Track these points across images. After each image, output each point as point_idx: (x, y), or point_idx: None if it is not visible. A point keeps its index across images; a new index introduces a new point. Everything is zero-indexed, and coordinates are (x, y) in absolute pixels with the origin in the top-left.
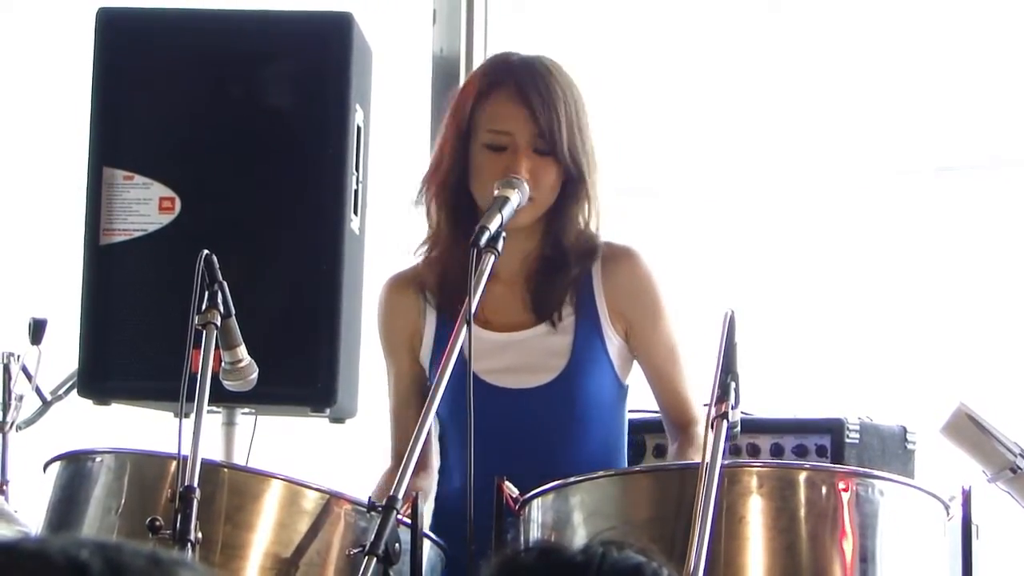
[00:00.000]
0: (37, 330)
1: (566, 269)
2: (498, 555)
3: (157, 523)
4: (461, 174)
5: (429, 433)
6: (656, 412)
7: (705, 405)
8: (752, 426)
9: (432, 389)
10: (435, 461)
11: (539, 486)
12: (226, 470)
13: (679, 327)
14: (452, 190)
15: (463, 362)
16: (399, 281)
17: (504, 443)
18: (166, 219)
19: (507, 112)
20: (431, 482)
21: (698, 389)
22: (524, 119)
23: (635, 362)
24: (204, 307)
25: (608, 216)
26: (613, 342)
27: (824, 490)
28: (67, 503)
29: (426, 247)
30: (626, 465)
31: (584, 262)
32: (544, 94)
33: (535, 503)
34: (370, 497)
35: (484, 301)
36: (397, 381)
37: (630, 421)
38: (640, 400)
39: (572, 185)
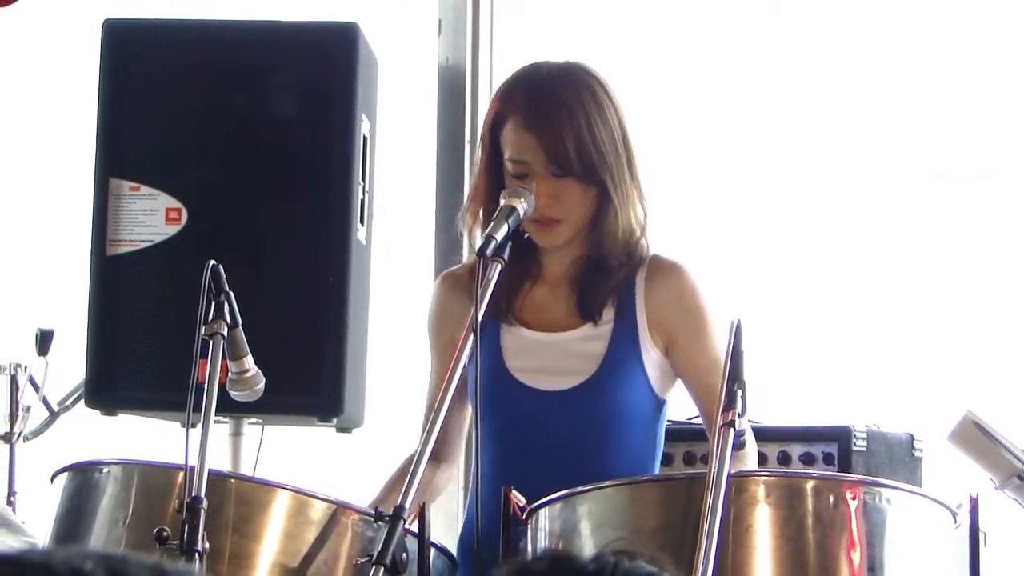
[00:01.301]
0: (44, 341)
1: (610, 271)
2: (508, 563)
3: (165, 534)
4: (497, 195)
5: (455, 425)
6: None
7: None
8: (759, 434)
9: (441, 393)
10: (461, 455)
11: (555, 491)
12: (233, 481)
13: (723, 340)
14: (486, 216)
15: (498, 356)
16: (452, 278)
17: (530, 443)
18: (173, 230)
19: (518, 141)
20: (451, 474)
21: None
22: (533, 146)
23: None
24: (211, 317)
25: (657, 212)
26: (650, 354)
27: (831, 499)
28: (74, 514)
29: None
30: None
31: (629, 266)
32: (547, 116)
33: (542, 512)
34: (377, 507)
35: (526, 301)
36: (438, 376)
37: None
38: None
39: (601, 196)
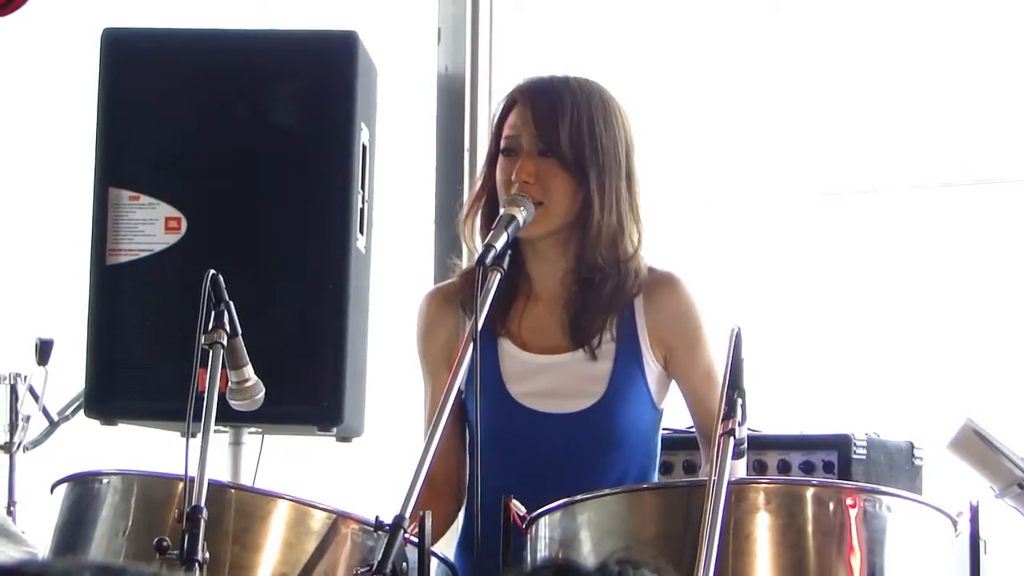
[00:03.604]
0: (44, 351)
1: (601, 290)
2: (513, 573)
3: (164, 544)
4: (492, 191)
5: (456, 454)
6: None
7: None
8: (759, 443)
9: (440, 405)
10: (464, 482)
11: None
12: (233, 491)
13: (717, 349)
14: (486, 208)
15: (498, 381)
16: (438, 295)
17: (538, 466)
18: (172, 239)
19: (516, 118)
20: (462, 503)
21: None
22: (527, 121)
23: (672, 382)
24: (211, 327)
25: (652, 238)
26: (652, 369)
27: (831, 506)
28: (74, 524)
29: (465, 269)
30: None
31: (628, 287)
32: (549, 98)
33: (542, 521)
34: (377, 516)
35: (523, 321)
36: (434, 398)
37: (664, 438)
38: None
39: (588, 196)
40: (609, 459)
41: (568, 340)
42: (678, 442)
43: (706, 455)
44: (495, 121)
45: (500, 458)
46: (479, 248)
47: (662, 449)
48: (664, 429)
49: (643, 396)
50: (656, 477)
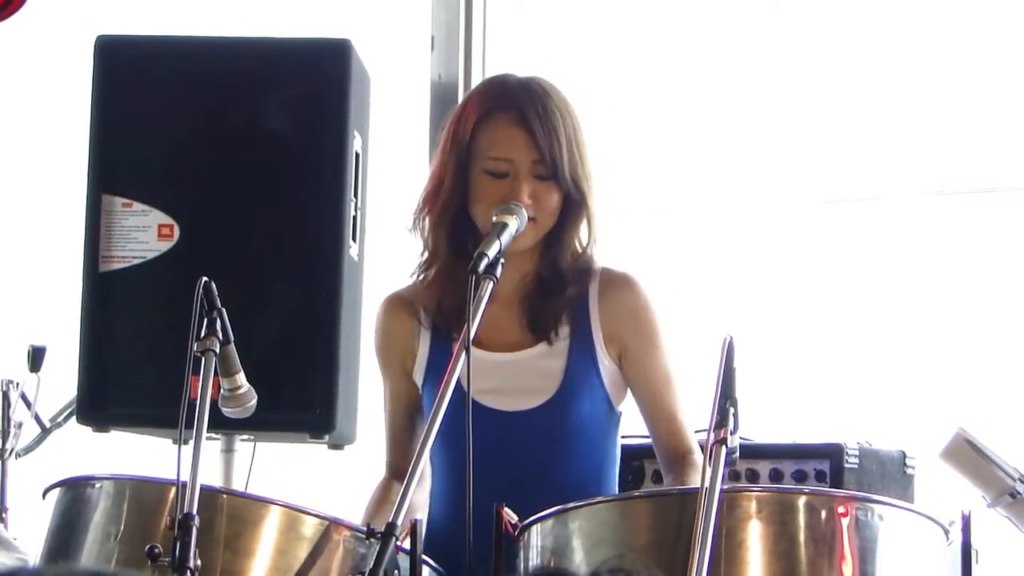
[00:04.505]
0: (36, 357)
1: (562, 290)
2: None
3: (156, 550)
4: (461, 198)
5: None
6: None
7: (701, 431)
8: (751, 451)
9: (431, 415)
10: (429, 473)
11: (531, 508)
12: (225, 496)
13: (675, 355)
14: (452, 213)
15: (460, 387)
16: (395, 301)
17: (494, 465)
18: (165, 246)
19: (507, 138)
20: (424, 495)
21: (692, 419)
22: (525, 145)
23: (628, 390)
24: (203, 334)
25: (606, 238)
26: (606, 366)
27: (823, 515)
28: (66, 530)
29: (423, 270)
30: (616, 490)
31: (580, 284)
32: (544, 118)
33: (534, 529)
34: (369, 523)
35: (479, 321)
36: (392, 398)
37: (629, 447)
38: (638, 426)
39: (571, 207)
40: (565, 455)
41: (527, 334)
42: (650, 451)
43: (666, 467)
44: (470, 123)
45: (459, 458)
46: (433, 244)
47: (633, 458)
48: (638, 437)
49: (598, 393)
50: (616, 482)
